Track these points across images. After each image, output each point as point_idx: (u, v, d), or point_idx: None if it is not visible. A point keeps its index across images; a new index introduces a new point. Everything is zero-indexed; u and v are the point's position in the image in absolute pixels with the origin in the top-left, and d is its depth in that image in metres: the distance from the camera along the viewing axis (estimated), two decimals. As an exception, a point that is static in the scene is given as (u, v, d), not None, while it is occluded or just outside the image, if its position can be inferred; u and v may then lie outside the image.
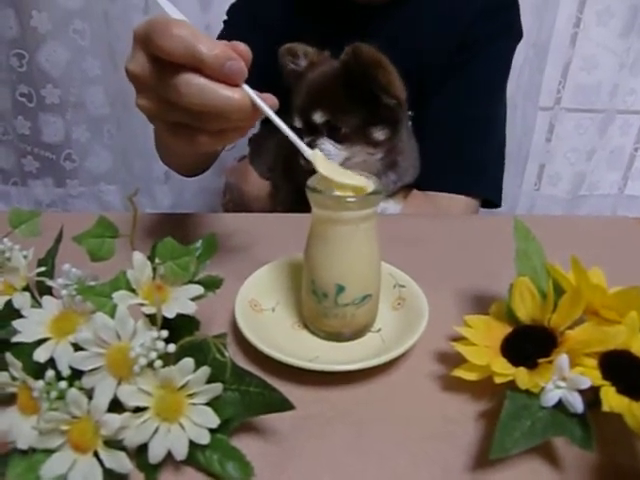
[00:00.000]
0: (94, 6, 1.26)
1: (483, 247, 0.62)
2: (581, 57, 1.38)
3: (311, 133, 0.63)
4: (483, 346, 0.40)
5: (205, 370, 0.31)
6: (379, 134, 0.65)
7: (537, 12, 1.25)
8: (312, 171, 0.38)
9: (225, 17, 0.89)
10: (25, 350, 0.32)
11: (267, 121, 0.89)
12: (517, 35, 0.80)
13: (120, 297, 0.32)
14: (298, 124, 0.64)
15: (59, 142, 1.42)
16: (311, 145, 0.61)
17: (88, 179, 1.48)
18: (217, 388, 0.32)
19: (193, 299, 0.33)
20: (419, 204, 0.75)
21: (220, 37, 0.87)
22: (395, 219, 0.67)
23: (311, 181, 0.39)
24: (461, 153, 0.77)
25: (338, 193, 0.37)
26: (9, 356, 0.31)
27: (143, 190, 1.47)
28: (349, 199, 0.37)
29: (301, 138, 0.61)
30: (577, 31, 1.35)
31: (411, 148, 0.72)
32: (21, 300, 0.35)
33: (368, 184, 0.38)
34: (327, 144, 0.63)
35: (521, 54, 0.82)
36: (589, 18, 1.33)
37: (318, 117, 0.63)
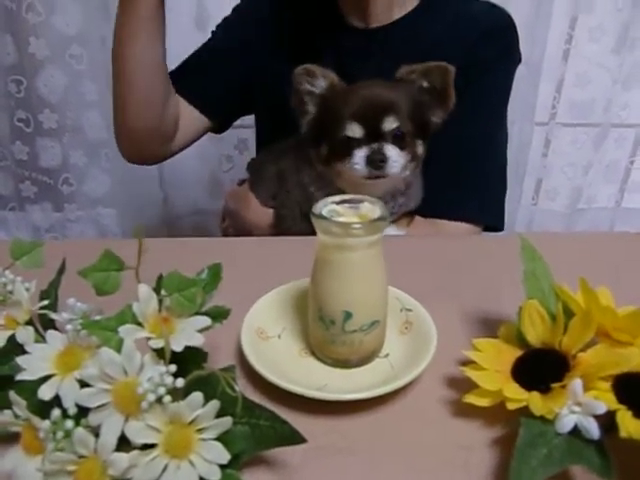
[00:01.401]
0: (91, 31, 1.27)
1: (487, 267, 0.61)
2: (574, 73, 1.39)
3: (374, 140, 0.64)
4: (494, 370, 0.39)
5: (215, 404, 0.30)
6: (420, 148, 0.68)
7: (529, 29, 1.27)
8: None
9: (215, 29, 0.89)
10: (29, 387, 0.32)
11: (267, 145, 0.89)
12: (517, 58, 0.81)
13: (126, 331, 0.31)
14: (357, 133, 0.64)
15: (57, 167, 1.42)
16: (377, 151, 0.64)
17: (86, 203, 1.48)
18: (227, 422, 0.31)
19: (200, 331, 0.33)
20: (422, 231, 0.75)
21: (205, 46, 0.87)
22: (397, 240, 0.67)
23: (316, 207, 0.38)
24: (463, 179, 0.77)
25: (343, 219, 0.37)
26: (13, 395, 0.31)
27: (141, 213, 1.46)
28: (355, 225, 0.37)
29: (352, 147, 0.64)
30: (569, 48, 1.36)
31: (418, 172, 0.72)
32: (24, 335, 0.35)
33: (374, 210, 0.38)
34: (392, 150, 0.64)
35: (516, 68, 0.83)
36: (581, 35, 1.35)
37: (388, 124, 0.64)
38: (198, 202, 1.47)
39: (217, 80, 0.84)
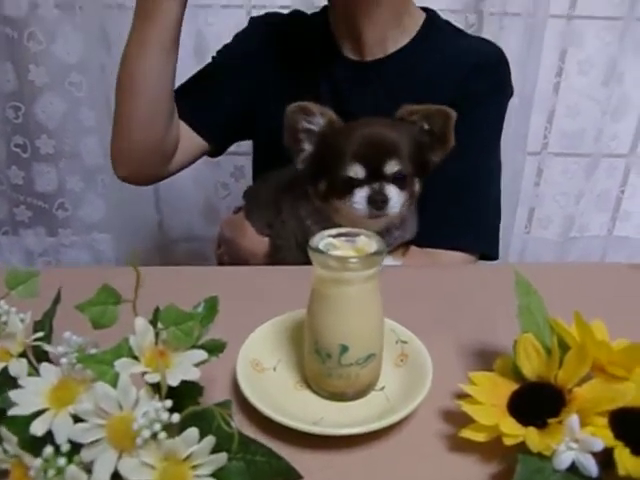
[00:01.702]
0: (91, 60, 1.29)
1: (482, 297, 0.62)
2: (565, 105, 1.42)
3: (375, 180, 0.65)
4: (490, 405, 0.39)
5: (210, 440, 0.30)
6: (417, 186, 0.69)
7: (521, 62, 1.30)
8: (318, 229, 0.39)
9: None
10: (21, 421, 0.31)
11: (263, 173, 0.89)
12: (508, 92, 0.83)
13: (122, 365, 0.31)
14: (359, 173, 0.65)
15: (52, 192, 1.42)
16: (378, 191, 0.64)
17: (81, 228, 1.48)
18: (222, 458, 0.30)
19: (196, 365, 0.33)
20: (417, 261, 0.75)
21: (204, 70, 0.88)
22: (392, 271, 0.67)
23: (313, 241, 0.39)
24: (457, 209, 0.77)
25: (340, 254, 0.37)
26: (3, 430, 0.30)
27: (136, 239, 1.46)
28: (352, 260, 0.37)
29: (353, 186, 0.64)
30: (559, 80, 1.40)
31: (414, 206, 0.73)
32: (18, 368, 0.34)
33: (370, 244, 0.38)
34: (393, 191, 0.65)
35: (508, 104, 0.85)
36: (570, 68, 1.38)
37: (391, 166, 0.65)
38: (194, 228, 1.47)
39: (215, 104, 0.85)
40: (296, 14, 0.91)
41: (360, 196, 0.64)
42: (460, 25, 0.90)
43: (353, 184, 0.65)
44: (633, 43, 1.34)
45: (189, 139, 0.84)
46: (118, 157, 0.79)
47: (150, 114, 0.73)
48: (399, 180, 0.66)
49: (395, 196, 0.65)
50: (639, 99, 1.42)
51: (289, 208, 0.74)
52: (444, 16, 0.87)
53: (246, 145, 1.35)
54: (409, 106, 0.68)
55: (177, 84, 0.85)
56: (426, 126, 0.67)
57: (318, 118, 0.67)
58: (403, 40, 0.81)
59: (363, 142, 0.65)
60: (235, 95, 0.86)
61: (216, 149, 0.90)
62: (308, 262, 0.41)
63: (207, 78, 0.87)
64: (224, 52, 0.89)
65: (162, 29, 0.67)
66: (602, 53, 1.36)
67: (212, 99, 0.85)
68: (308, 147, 0.69)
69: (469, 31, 1.18)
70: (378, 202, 0.64)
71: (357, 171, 0.64)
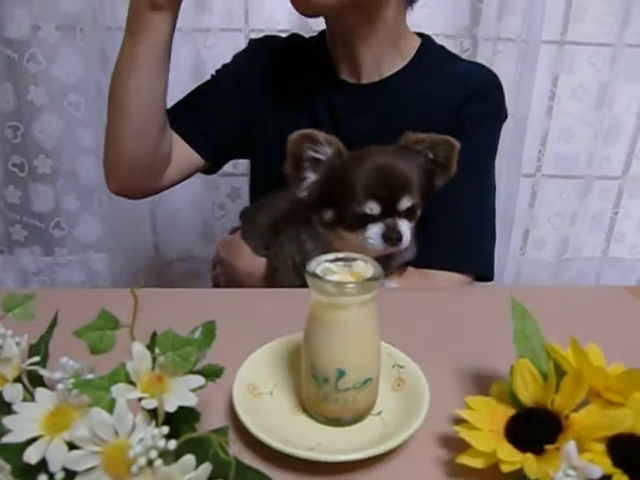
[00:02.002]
0: (90, 80, 1.30)
1: (478, 320, 0.62)
2: (558, 128, 1.44)
3: (389, 215, 0.65)
4: (487, 430, 0.39)
5: (206, 468, 0.30)
6: (418, 212, 0.69)
7: (515, 86, 1.32)
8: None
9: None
10: (14, 448, 0.31)
11: (260, 195, 0.90)
12: (503, 116, 0.84)
13: (119, 390, 0.31)
14: (375, 210, 0.64)
15: (49, 211, 1.42)
16: (393, 228, 0.64)
17: (76, 247, 1.47)
18: (218, 486, 0.30)
19: (193, 390, 0.33)
20: (414, 281, 0.76)
21: (203, 87, 0.89)
22: (388, 294, 0.68)
23: (310, 265, 0.39)
24: (453, 230, 0.78)
25: (337, 279, 0.38)
26: (-3, 457, 0.30)
27: (131, 258, 1.46)
28: (349, 285, 0.37)
29: (366, 222, 0.64)
30: (552, 104, 1.42)
31: (413, 230, 0.74)
32: (12, 393, 0.34)
33: (367, 269, 0.38)
34: (405, 225, 0.65)
35: (503, 125, 0.86)
36: (563, 92, 1.41)
37: (404, 202, 0.65)
38: (190, 248, 1.47)
39: (211, 121, 0.85)
40: (294, 37, 0.92)
41: (374, 232, 0.64)
42: (455, 50, 0.92)
43: (367, 220, 0.65)
44: (623, 69, 1.37)
45: (184, 154, 0.84)
46: (110, 170, 0.79)
47: (141, 128, 0.73)
48: (410, 213, 0.66)
49: (407, 230, 0.65)
50: (630, 123, 1.45)
51: (287, 228, 0.74)
52: (439, 41, 0.89)
53: (243, 166, 1.37)
54: (413, 134, 0.68)
55: (174, 104, 0.86)
56: (431, 155, 0.68)
57: (325, 147, 0.66)
58: (399, 64, 0.83)
59: (377, 178, 0.65)
60: (231, 114, 0.86)
61: (211, 166, 0.90)
62: (304, 285, 0.41)
63: (205, 95, 0.87)
64: (222, 71, 0.90)
65: (152, 45, 0.68)
66: (593, 78, 1.38)
67: (208, 116, 0.85)
68: (312, 175, 0.67)
69: (464, 56, 1.20)
70: (393, 239, 0.64)
71: (372, 208, 0.64)
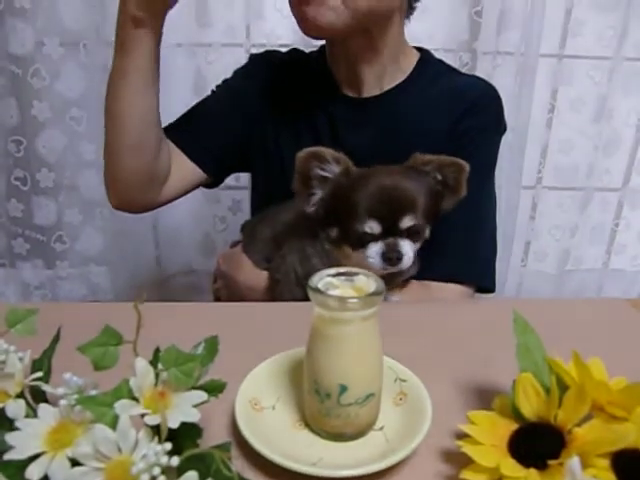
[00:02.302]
0: (92, 95, 1.31)
1: (480, 334, 0.62)
2: (557, 140, 1.45)
3: (390, 235, 0.65)
4: (490, 445, 0.39)
5: (209, 484, 0.30)
6: (427, 232, 0.69)
7: (514, 100, 1.33)
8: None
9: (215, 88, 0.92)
10: (16, 465, 0.31)
11: (261, 208, 0.90)
12: (502, 128, 0.85)
13: (122, 407, 0.31)
14: (375, 229, 0.64)
15: (51, 224, 1.43)
16: (393, 248, 0.64)
17: (78, 261, 1.48)
18: (221, 503, 0.30)
19: (196, 405, 0.33)
20: (415, 293, 0.76)
21: (204, 102, 0.90)
22: (390, 308, 0.68)
23: (313, 280, 0.39)
24: (454, 242, 0.78)
25: (339, 293, 0.38)
26: None
27: (133, 272, 1.46)
28: (351, 300, 0.37)
29: (367, 240, 0.64)
30: (552, 117, 1.43)
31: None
32: (15, 409, 0.34)
33: (369, 284, 0.38)
34: (407, 245, 0.65)
35: (502, 138, 0.87)
36: (562, 105, 1.42)
37: (406, 221, 0.65)
38: (191, 262, 1.48)
39: (212, 136, 0.86)
40: (295, 52, 0.93)
41: (374, 251, 0.64)
42: (454, 64, 0.93)
43: (367, 239, 0.65)
44: (622, 82, 1.38)
45: (185, 168, 0.84)
46: (109, 185, 0.80)
47: (135, 142, 0.73)
48: (413, 233, 0.66)
49: (409, 251, 0.65)
50: (629, 135, 1.46)
51: (291, 243, 0.74)
52: (439, 55, 0.90)
53: (244, 179, 1.37)
54: (421, 155, 0.68)
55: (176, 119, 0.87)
56: (439, 176, 0.68)
57: (332, 165, 0.66)
58: (399, 77, 0.83)
59: (380, 197, 0.65)
60: (232, 129, 0.87)
61: (213, 180, 0.91)
62: (306, 298, 0.41)
63: (206, 110, 0.88)
64: (223, 86, 0.91)
65: (138, 60, 0.69)
66: (592, 91, 1.40)
67: (209, 131, 0.86)
68: (319, 192, 0.68)
69: (463, 70, 1.21)
70: (393, 259, 0.64)
71: (372, 227, 0.64)
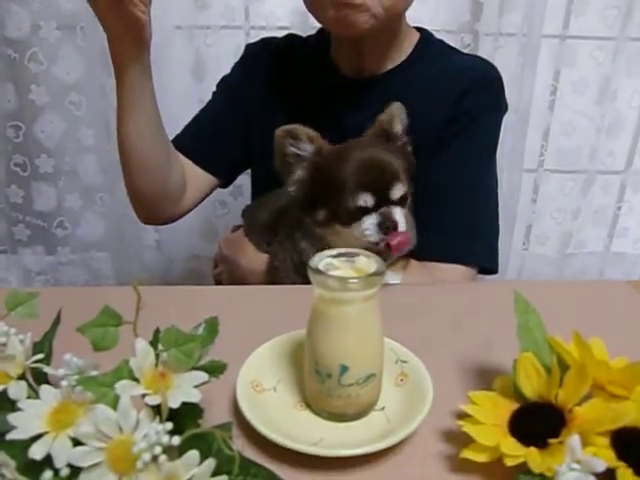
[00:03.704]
0: (90, 79, 1.30)
1: (481, 315, 0.62)
2: (560, 122, 1.43)
3: (382, 205, 0.65)
4: (490, 425, 0.39)
5: (210, 463, 0.30)
6: (409, 197, 0.69)
7: (516, 81, 1.32)
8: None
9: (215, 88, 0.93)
10: (19, 445, 0.31)
11: (261, 193, 0.90)
12: (503, 107, 0.84)
13: (123, 387, 0.31)
14: (369, 202, 0.64)
15: (51, 210, 1.42)
16: (388, 217, 0.64)
17: (79, 246, 1.48)
18: (222, 481, 0.30)
19: (196, 386, 0.33)
20: (418, 275, 0.75)
21: (205, 106, 0.91)
22: (391, 289, 0.68)
23: (313, 261, 0.39)
24: (456, 222, 0.78)
25: (340, 274, 0.38)
26: (1, 454, 0.30)
27: (134, 257, 1.46)
28: (351, 280, 0.37)
29: (361, 214, 0.64)
30: (554, 99, 1.42)
31: (411, 217, 0.74)
32: (17, 390, 0.34)
33: (370, 264, 0.38)
34: (399, 213, 0.65)
35: (504, 120, 0.86)
36: (565, 87, 1.40)
37: (397, 190, 0.65)
38: (192, 247, 1.47)
39: (222, 140, 0.88)
40: (292, 37, 0.93)
41: (370, 223, 0.64)
42: (456, 46, 0.92)
43: (360, 213, 0.65)
44: (625, 62, 1.36)
45: (199, 178, 0.87)
46: (133, 204, 0.84)
47: (142, 166, 0.76)
48: (402, 200, 0.66)
49: (402, 217, 0.65)
50: (633, 117, 1.44)
51: (285, 230, 0.74)
52: (440, 37, 0.89)
53: (245, 163, 1.36)
54: (373, 126, 0.70)
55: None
56: (404, 137, 0.70)
57: (305, 144, 0.66)
58: (399, 58, 0.83)
59: (367, 170, 0.65)
60: (237, 128, 0.88)
61: (226, 181, 0.94)
62: (306, 283, 0.41)
63: (210, 116, 0.90)
64: (222, 86, 0.92)
65: (129, 88, 0.70)
66: (595, 72, 1.38)
67: (217, 136, 0.88)
68: (299, 171, 0.68)
69: (465, 51, 1.20)
70: (390, 228, 0.64)
71: (366, 200, 0.64)
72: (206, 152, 0.87)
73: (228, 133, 0.88)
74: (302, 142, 0.66)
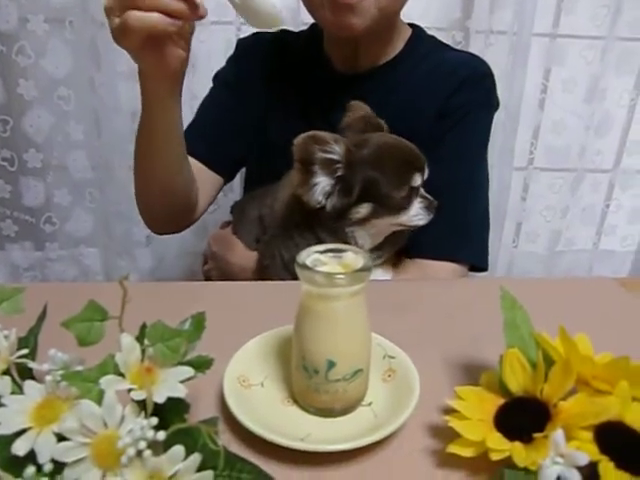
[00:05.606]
0: (79, 74, 1.29)
1: (468, 311, 0.62)
2: (550, 120, 1.45)
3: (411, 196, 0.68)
4: (476, 420, 0.39)
5: (196, 458, 0.30)
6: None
7: (507, 79, 1.32)
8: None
9: (211, 84, 0.92)
10: (2, 440, 0.31)
11: (253, 188, 0.89)
12: (495, 104, 0.84)
13: (108, 382, 0.31)
14: (419, 181, 0.67)
15: (39, 205, 1.41)
16: (426, 197, 0.69)
17: (68, 242, 1.46)
18: (208, 476, 0.30)
19: (182, 381, 0.33)
20: (410, 272, 0.75)
21: (204, 103, 0.91)
22: (381, 285, 0.68)
23: (300, 257, 0.39)
24: (447, 220, 0.78)
25: (327, 270, 0.38)
26: (-15, 450, 0.30)
27: (124, 253, 1.45)
28: (339, 276, 0.37)
29: (412, 197, 0.66)
30: (544, 97, 1.42)
31: None
32: (1, 386, 0.34)
33: (357, 260, 0.38)
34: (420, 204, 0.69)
35: (494, 118, 0.86)
36: (555, 85, 1.41)
37: (418, 180, 0.68)
38: (182, 243, 1.47)
39: (227, 138, 0.87)
40: (283, 33, 0.92)
41: (418, 208, 0.68)
42: (447, 42, 0.92)
43: (412, 195, 0.67)
44: (614, 62, 1.37)
45: (209, 181, 0.87)
46: (146, 223, 0.83)
47: (162, 191, 0.75)
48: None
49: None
50: (621, 116, 1.46)
51: (277, 230, 0.73)
52: (431, 33, 0.89)
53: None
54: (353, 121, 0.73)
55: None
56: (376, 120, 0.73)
57: (334, 145, 0.63)
58: (391, 53, 0.83)
59: (409, 153, 0.68)
60: (238, 122, 0.88)
61: (229, 179, 0.94)
62: (295, 280, 0.41)
63: (213, 115, 0.89)
64: (217, 82, 0.91)
65: (161, 124, 0.66)
66: (584, 71, 1.39)
67: (224, 136, 0.88)
68: (323, 179, 0.64)
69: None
70: (433, 207, 0.68)
71: (417, 180, 0.67)
72: (216, 154, 0.86)
73: (232, 130, 0.87)
74: (331, 145, 0.63)
